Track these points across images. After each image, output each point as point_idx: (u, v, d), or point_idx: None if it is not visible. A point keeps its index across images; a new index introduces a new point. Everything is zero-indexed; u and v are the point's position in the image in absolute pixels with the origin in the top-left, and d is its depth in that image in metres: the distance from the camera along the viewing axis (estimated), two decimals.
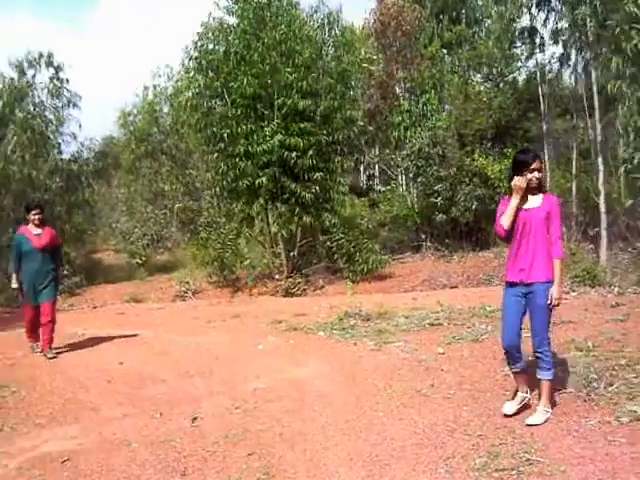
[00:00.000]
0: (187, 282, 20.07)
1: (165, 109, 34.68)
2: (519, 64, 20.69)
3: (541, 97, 17.43)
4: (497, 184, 16.80)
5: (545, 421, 5.10)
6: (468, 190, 16.88)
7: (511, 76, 21.24)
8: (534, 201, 5.13)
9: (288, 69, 17.17)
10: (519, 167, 5.10)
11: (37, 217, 9.04)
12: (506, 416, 5.27)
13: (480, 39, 23.51)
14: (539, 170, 5.12)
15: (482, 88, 20.06)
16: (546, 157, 16.65)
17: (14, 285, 9.21)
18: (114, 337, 10.59)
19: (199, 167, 29.08)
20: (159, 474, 4.86)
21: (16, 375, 8.09)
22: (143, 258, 27.73)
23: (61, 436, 5.86)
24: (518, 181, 5.02)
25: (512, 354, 5.26)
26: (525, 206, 5.10)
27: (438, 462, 4.62)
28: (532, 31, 18.52)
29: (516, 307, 5.19)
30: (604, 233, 15.59)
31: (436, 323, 9.17)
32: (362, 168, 25.43)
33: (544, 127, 17.56)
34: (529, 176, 5.04)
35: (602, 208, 15.58)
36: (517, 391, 5.45)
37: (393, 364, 7.22)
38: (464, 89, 19.82)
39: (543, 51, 18.44)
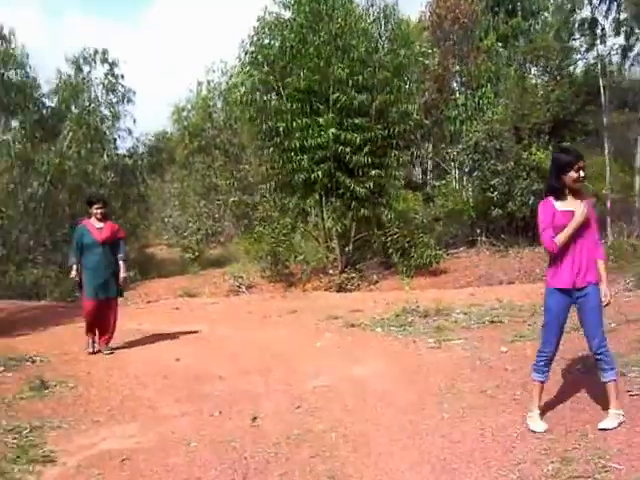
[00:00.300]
0: (241, 277, 20.09)
1: (219, 104, 34.89)
2: (578, 56, 20.10)
3: (602, 90, 16.85)
4: None
5: (619, 425, 4.84)
6: (525, 185, 16.46)
7: (570, 69, 20.63)
8: (577, 204, 4.92)
9: (341, 64, 17.02)
10: (564, 168, 4.90)
11: (99, 211, 8.88)
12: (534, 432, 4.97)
13: (536, 32, 22.93)
14: (583, 169, 4.90)
15: (539, 81, 19.52)
16: (606, 151, 16.13)
17: (73, 275, 8.96)
18: (169, 332, 10.58)
19: (252, 162, 29.15)
20: (220, 476, 4.73)
21: (74, 371, 8.10)
22: (196, 253, 27.90)
23: (119, 434, 5.80)
24: (581, 215, 4.83)
25: (551, 363, 5.15)
26: (570, 208, 4.90)
27: (509, 467, 4.41)
28: (593, 22, 18.01)
29: (564, 314, 5.03)
30: None
31: (496, 320, 8.91)
32: (417, 162, 25.10)
33: (604, 120, 16.97)
34: (574, 175, 4.84)
35: None
36: (536, 404, 5.14)
37: (455, 363, 7.00)
38: (521, 82, 19.35)
39: (604, 42, 17.88)
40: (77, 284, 9.15)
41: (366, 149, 17.20)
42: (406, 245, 17.51)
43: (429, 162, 24.41)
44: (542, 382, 5.12)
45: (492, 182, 16.89)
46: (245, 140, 32.26)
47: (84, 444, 5.56)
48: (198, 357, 8.55)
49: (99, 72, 25.47)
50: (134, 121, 26.02)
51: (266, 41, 18.49)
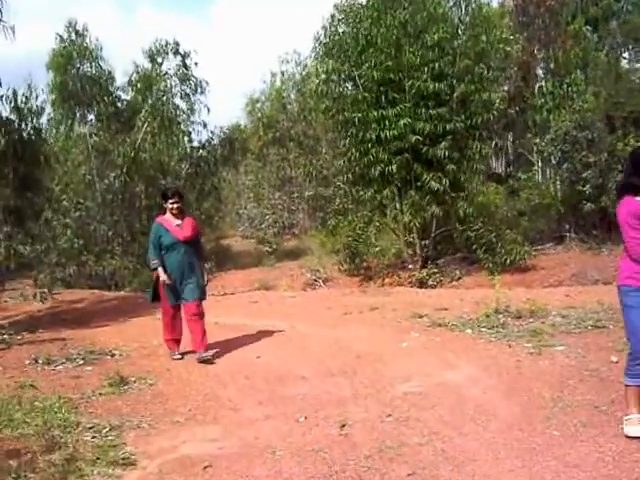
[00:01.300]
0: (317, 270, 19.77)
1: (292, 95, 34.66)
2: None
3: None
4: None
5: None
6: (621, 178, 15.44)
7: None
8: None
9: (412, 49, 16.43)
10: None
11: (176, 206, 8.07)
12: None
13: (629, 13, 21.67)
14: None
15: (637, 66, 18.38)
16: None
17: (163, 277, 7.96)
18: (248, 327, 10.32)
19: (327, 153, 28.82)
20: None
21: (153, 366, 7.90)
22: (274, 246, 27.76)
23: (201, 437, 5.49)
24: None
25: None
26: None
27: None
28: None
29: None
30: None
31: (600, 325, 8.25)
32: (500, 154, 24.23)
33: None
34: None
35: None
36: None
37: (559, 372, 6.43)
38: (614, 68, 18.32)
39: None
40: (154, 290, 8.35)
41: (445, 141, 16.57)
42: (492, 240, 16.77)
43: (513, 154, 23.51)
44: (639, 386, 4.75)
45: (583, 175, 15.97)
46: (320, 132, 32.09)
47: (164, 447, 5.28)
48: (279, 355, 8.22)
49: (172, 63, 25.56)
50: (208, 110, 25.99)
51: (340, 29, 18.06)
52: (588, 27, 20.90)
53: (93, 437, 5.44)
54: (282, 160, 33.54)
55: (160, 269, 7.99)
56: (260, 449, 5.11)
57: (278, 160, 33.61)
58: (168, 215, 8.17)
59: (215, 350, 8.13)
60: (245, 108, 36.93)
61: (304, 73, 33.43)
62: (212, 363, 7.82)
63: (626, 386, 4.86)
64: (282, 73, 34.63)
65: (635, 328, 4.78)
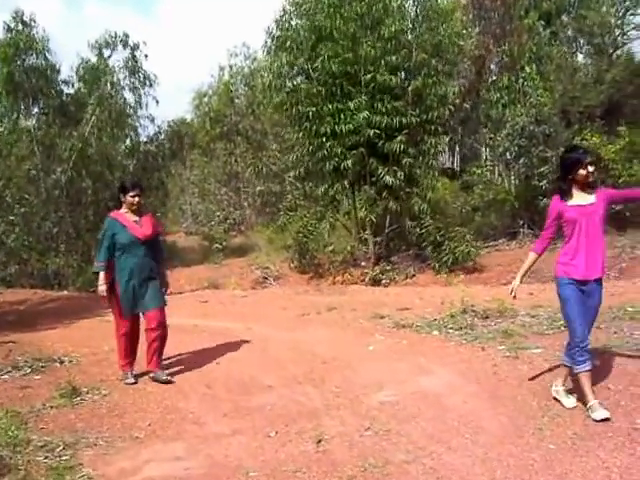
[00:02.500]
0: (267, 267, 19.28)
1: (241, 90, 34.05)
2: (637, 33, 18.72)
3: None
4: (611, 166, 15.27)
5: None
6: None
7: (627, 46, 19.42)
8: (589, 198, 5.15)
9: (369, 42, 16.06)
10: (573, 167, 5.12)
11: (137, 200, 6.89)
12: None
13: (584, 8, 21.69)
14: (592, 164, 5.13)
15: (590, 61, 18.27)
16: None
17: (102, 288, 6.80)
18: (202, 329, 9.84)
19: (275, 149, 28.37)
20: None
21: (105, 374, 7.34)
22: (224, 243, 27.16)
23: (164, 456, 5.00)
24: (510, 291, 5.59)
25: (588, 349, 5.14)
26: (581, 202, 5.14)
27: None
28: None
29: (582, 299, 5.15)
30: None
31: None
32: (455, 149, 24.02)
33: None
34: (584, 172, 5.09)
35: None
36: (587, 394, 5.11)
37: (542, 377, 6.10)
38: (569, 63, 18.23)
39: None
40: (108, 295, 6.94)
41: (401, 135, 16.25)
42: (439, 239, 16.51)
43: (467, 149, 23.32)
44: (588, 371, 5.11)
45: (541, 170, 15.80)
46: (267, 126, 31.62)
47: (125, 468, 4.81)
48: (239, 361, 7.75)
49: (120, 55, 24.92)
50: (157, 102, 25.43)
51: (294, 22, 17.58)
52: (542, 22, 20.81)
53: (46, 457, 4.95)
54: (229, 155, 32.89)
55: (102, 274, 6.80)
56: (231, 469, 4.67)
57: (225, 155, 32.93)
58: (125, 211, 6.98)
59: (169, 371, 7.26)
60: (192, 102, 36.22)
61: (253, 67, 32.93)
62: (170, 382, 6.87)
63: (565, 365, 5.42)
64: (230, 67, 33.98)
65: (569, 318, 5.20)
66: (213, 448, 5.07)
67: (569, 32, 20.40)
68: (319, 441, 5.00)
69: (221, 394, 6.43)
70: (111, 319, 7.78)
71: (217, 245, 26.75)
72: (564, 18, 21.32)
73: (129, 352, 7.06)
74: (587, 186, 5.15)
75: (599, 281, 5.20)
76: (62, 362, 7.97)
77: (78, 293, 17.44)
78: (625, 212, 15.84)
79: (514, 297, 5.64)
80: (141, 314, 7.03)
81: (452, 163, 24.11)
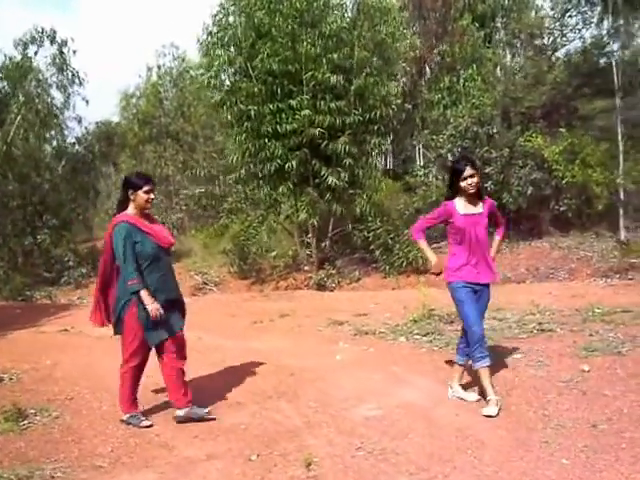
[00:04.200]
0: (206, 273, 18.64)
1: (170, 91, 33.13)
2: (574, 35, 18.88)
3: (614, 69, 15.48)
4: (555, 167, 15.29)
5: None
6: (523, 174, 15.31)
7: (566, 48, 19.60)
8: (476, 207, 5.42)
9: (310, 39, 15.66)
10: (456, 177, 5.35)
11: (152, 196, 5.66)
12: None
13: (519, 10, 21.94)
14: (472, 176, 5.31)
15: (529, 63, 18.30)
16: (619, 137, 15.06)
17: (156, 306, 5.39)
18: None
19: (209, 151, 27.70)
20: None
21: (52, 392, 6.67)
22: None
23: None
24: (435, 268, 5.60)
25: (486, 346, 5.41)
26: (469, 212, 5.38)
27: None
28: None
29: (473, 297, 5.40)
30: None
31: (546, 329, 7.74)
32: (397, 150, 23.78)
33: (617, 102, 15.60)
34: (463, 184, 5.31)
35: None
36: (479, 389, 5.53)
37: (530, 385, 5.81)
38: (504, 64, 18.23)
39: (602, 21, 16.64)
40: (119, 320, 5.61)
41: (344, 135, 15.92)
42: (389, 241, 16.21)
43: (409, 150, 23.11)
44: (487, 366, 5.36)
45: (486, 170, 15.74)
46: (198, 128, 30.93)
47: None
48: (198, 374, 7.13)
49: (47, 52, 23.81)
50: (87, 102, 24.42)
51: (231, 19, 17.03)
52: (476, 24, 20.88)
53: None
54: (159, 158, 31.90)
55: (144, 292, 5.38)
56: None
57: (155, 157, 31.92)
58: (133, 212, 5.60)
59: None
60: (119, 104, 35.04)
61: (182, 67, 32.14)
62: (214, 419, 5.70)
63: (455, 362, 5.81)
64: (159, 67, 32.97)
65: (467, 319, 5.40)
66: (189, 476, 4.54)
67: (502, 35, 20.59)
68: (308, 464, 4.52)
69: None
70: (49, 330, 7.13)
71: None
72: (498, 20, 21.49)
73: (135, 386, 5.77)
74: (473, 196, 5.39)
75: (488, 285, 5.52)
76: (1, 380, 7.23)
77: (5, 302, 16.40)
78: (567, 213, 15.94)
79: (439, 273, 5.63)
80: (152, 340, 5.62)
81: (393, 164, 23.93)
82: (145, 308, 5.37)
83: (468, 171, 5.30)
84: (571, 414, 5.02)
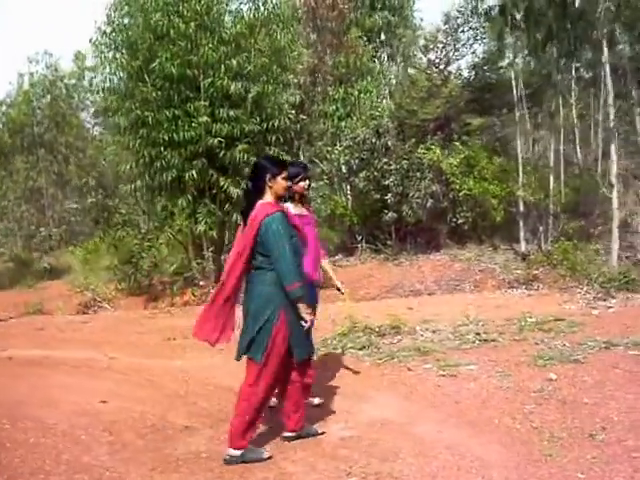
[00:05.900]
0: (94, 290, 17.51)
1: (44, 100, 31.36)
2: (467, 50, 19.26)
3: (513, 86, 15.81)
4: (452, 180, 15.44)
5: None
6: (423, 186, 15.34)
7: (458, 63, 19.97)
8: (303, 210, 5.56)
9: (211, 45, 15.13)
10: (291, 179, 5.05)
11: (308, 184, 5.51)
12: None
13: (397, 27, 22.36)
14: (304, 179, 5.51)
15: (423, 76, 18.50)
16: (518, 149, 15.33)
17: (312, 318, 4.72)
18: (56, 361, 8.29)
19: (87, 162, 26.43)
20: None
21: None
22: (45, 264, 24.68)
23: None
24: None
25: None
26: (300, 212, 5.43)
27: None
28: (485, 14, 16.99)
29: None
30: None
31: (487, 339, 7.57)
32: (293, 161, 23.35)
33: (517, 116, 15.91)
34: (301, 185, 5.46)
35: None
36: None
37: (501, 396, 5.58)
38: (401, 77, 18.37)
39: (500, 38, 16.95)
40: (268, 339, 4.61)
41: (240, 145, 15.43)
42: None
43: (307, 162, 22.73)
44: None
45: (385, 182, 15.64)
46: (72, 139, 29.62)
47: None
48: (129, 398, 6.43)
49: None
50: None
51: (125, 21, 16.20)
52: (365, 38, 21.06)
53: None
54: (31, 169, 30.09)
55: (304, 306, 4.60)
56: None
57: (26, 169, 30.07)
58: (272, 201, 4.67)
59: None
60: None
61: (55, 75, 30.59)
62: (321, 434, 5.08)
63: None
64: (31, 74, 31.15)
65: None
66: None
67: (389, 49, 20.97)
68: None
69: (132, 441, 5.20)
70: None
71: (44, 265, 24.27)
72: (382, 36, 21.91)
73: (258, 419, 4.81)
74: (301, 199, 5.60)
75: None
76: None
77: None
78: (464, 226, 16.13)
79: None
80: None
81: None
82: (296, 318, 4.55)
83: (284, 174, 4.67)
84: (561, 425, 4.82)
